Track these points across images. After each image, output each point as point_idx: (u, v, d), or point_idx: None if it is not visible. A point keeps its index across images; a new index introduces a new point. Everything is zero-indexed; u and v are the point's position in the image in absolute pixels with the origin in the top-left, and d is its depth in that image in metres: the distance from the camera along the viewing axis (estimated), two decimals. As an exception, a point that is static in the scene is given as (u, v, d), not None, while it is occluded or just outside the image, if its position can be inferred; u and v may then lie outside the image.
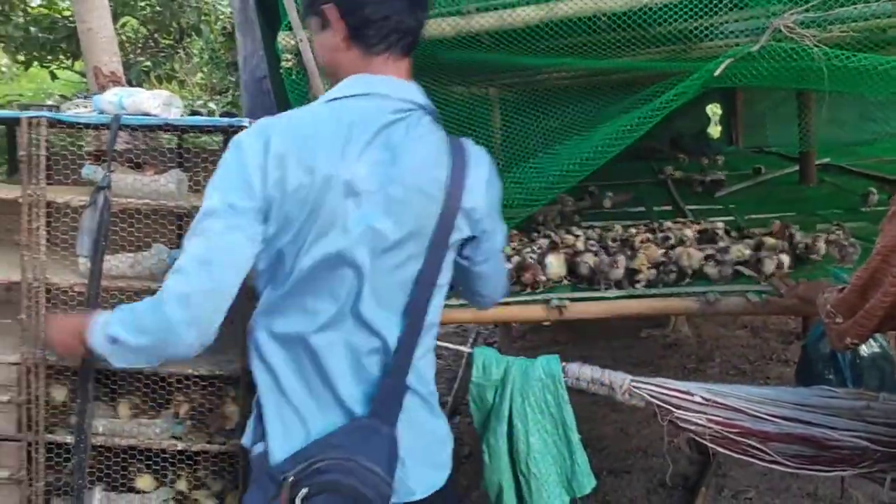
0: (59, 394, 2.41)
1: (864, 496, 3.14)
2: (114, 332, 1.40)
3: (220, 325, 1.39)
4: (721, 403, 2.02)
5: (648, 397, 2.07)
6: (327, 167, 1.33)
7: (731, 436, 2.01)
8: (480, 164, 1.49)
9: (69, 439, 2.33)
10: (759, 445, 2.00)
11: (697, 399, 2.03)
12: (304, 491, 1.30)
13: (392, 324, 1.43)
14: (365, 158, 1.36)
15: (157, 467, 2.44)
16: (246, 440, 1.52)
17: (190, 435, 2.41)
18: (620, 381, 2.12)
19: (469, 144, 1.50)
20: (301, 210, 1.34)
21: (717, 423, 2.01)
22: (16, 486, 2.39)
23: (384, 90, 1.42)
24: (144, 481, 2.41)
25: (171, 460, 2.43)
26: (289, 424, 1.43)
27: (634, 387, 2.09)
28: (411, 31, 1.45)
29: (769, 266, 2.39)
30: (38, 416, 2.36)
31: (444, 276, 1.48)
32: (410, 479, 1.46)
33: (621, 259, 2.46)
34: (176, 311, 1.33)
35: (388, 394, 1.42)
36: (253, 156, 1.33)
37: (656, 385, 2.08)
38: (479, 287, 1.68)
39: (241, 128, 2.33)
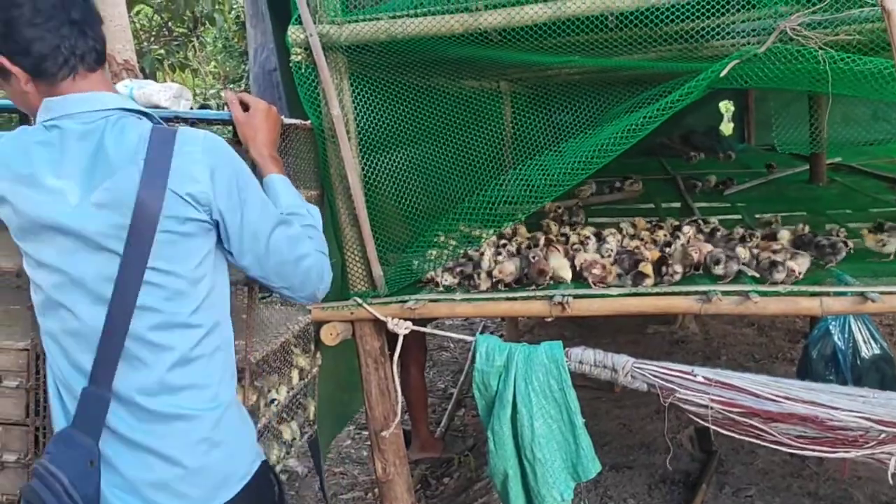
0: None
1: (864, 496, 3.14)
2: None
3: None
4: (723, 383, 2.04)
5: (651, 377, 2.10)
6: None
7: (734, 416, 2.02)
8: (189, 147, 1.45)
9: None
10: (761, 426, 2.01)
11: (700, 379, 2.06)
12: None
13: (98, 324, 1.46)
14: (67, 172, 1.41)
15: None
16: None
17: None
18: (623, 363, 2.15)
19: (182, 132, 1.47)
20: None
21: (720, 403, 2.03)
22: (23, 469, 2.43)
23: (72, 109, 1.44)
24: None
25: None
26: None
27: (637, 368, 2.12)
28: (91, 50, 1.46)
29: (780, 275, 2.32)
30: (46, 402, 2.39)
31: (172, 265, 1.45)
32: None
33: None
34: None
35: (86, 403, 1.46)
36: None
37: (658, 366, 2.11)
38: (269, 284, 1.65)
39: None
